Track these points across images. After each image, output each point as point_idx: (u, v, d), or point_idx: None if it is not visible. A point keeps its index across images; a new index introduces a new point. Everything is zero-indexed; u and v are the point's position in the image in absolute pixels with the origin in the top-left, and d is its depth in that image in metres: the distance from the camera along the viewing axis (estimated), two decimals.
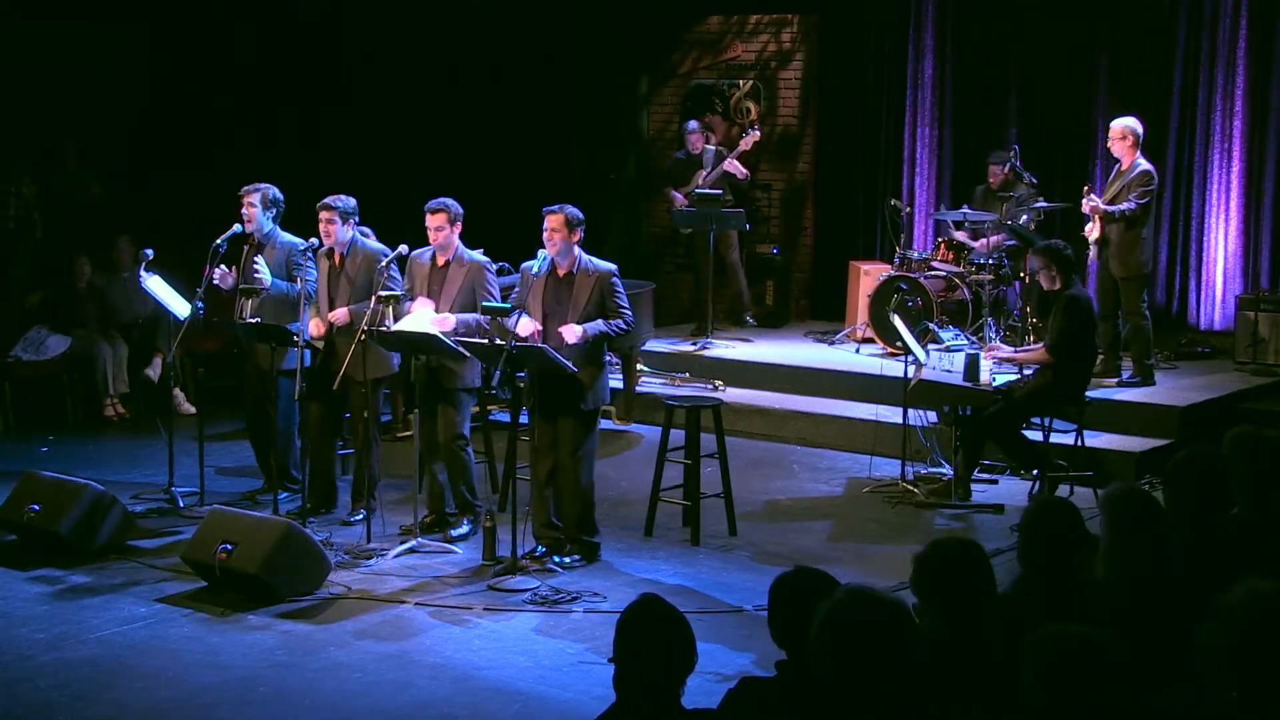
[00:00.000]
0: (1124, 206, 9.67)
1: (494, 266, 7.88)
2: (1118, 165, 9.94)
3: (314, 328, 7.96)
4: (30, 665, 6.08)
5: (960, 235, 11.15)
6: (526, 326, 7.16)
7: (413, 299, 7.69)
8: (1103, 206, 9.70)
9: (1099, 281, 10.14)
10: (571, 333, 7.19)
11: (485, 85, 13.49)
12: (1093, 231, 9.80)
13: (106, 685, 5.89)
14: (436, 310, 7.60)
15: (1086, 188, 10.00)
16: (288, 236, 8.29)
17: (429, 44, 13.49)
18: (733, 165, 11.79)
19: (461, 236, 7.83)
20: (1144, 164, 9.82)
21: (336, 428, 8.32)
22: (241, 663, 6.11)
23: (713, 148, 12.11)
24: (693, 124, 12.34)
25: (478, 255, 7.81)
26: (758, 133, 12.01)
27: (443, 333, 7.42)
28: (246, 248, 8.34)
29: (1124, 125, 9.86)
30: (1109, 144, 9.96)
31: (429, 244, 7.72)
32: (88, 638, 6.38)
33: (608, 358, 7.37)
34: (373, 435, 8.05)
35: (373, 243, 8.22)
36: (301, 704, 5.73)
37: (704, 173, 11.89)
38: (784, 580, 3.78)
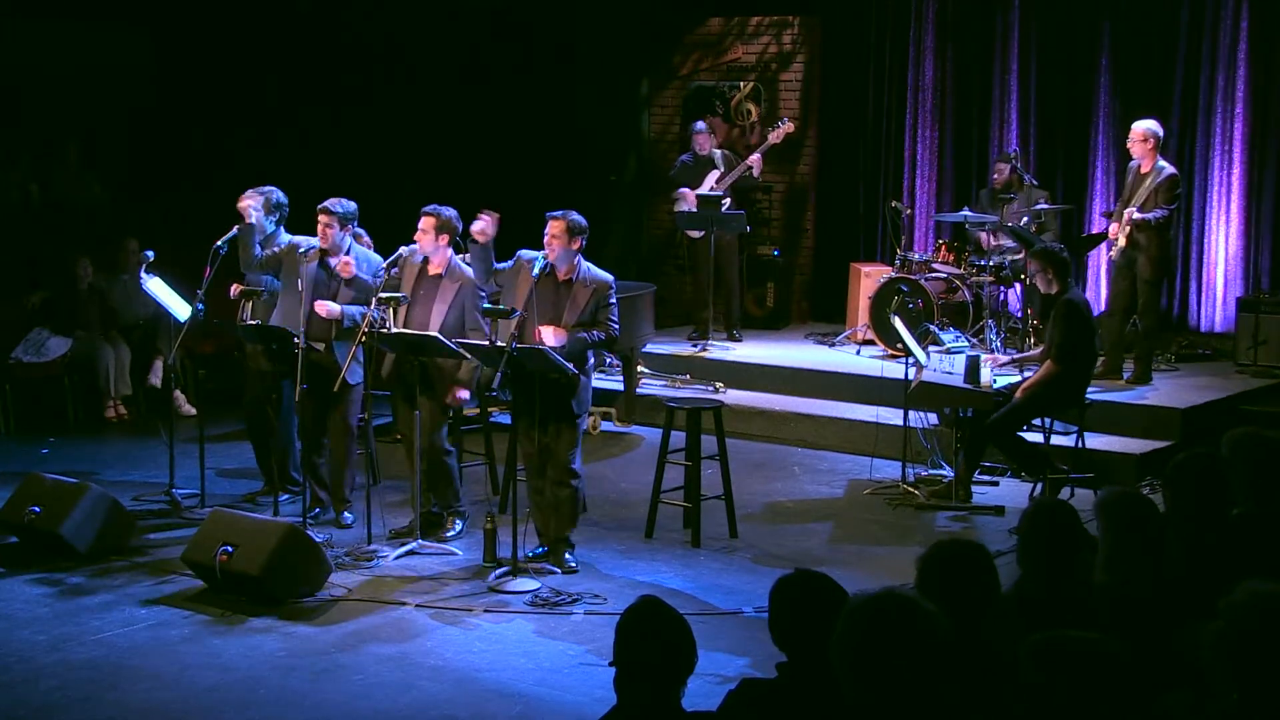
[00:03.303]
0: (1158, 214, 9.71)
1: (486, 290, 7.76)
2: (1135, 167, 9.93)
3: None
4: (31, 667, 6.08)
5: (989, 238, 11.00)
6: (550, 336, 7.15)
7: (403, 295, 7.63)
8: (1140, 216, 9.69)
9: (1116, 281, 10.12)
10: (553, 335, 7.16)
11: (485, 87, 13.49)
12: (1118, 235, 9.79)
13: (108, 687, 5.89)
14: (424, 319, 7.58)
15: (1113, 222, 9.94)
16: (290, 239, 8.27)
17: (429, 46, 13.49)
18: (756, 161, 11.59)
19: (461, 237, 7.82)
20: (1169, 168, 9.86)
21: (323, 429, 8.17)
22: (243, 664, 6.12)
23: (720, 150, 11.92)
24: (700, 125, 11.96)
25: (471, 272, 7.66)
26: (790, 124, 11.83)
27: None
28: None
29: (1146, 128, 9.87)
30: (1129, 145, 9.94)
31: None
32: (89, 639, 6.38)
33: (608, 360, 7.35)
34: (350, 435, 8.02)
35: (360, 247, 8.15)
36: (303, 705, 5.73)
37: (718, 172, 11.67)
38: (785, 582, 3.78)
